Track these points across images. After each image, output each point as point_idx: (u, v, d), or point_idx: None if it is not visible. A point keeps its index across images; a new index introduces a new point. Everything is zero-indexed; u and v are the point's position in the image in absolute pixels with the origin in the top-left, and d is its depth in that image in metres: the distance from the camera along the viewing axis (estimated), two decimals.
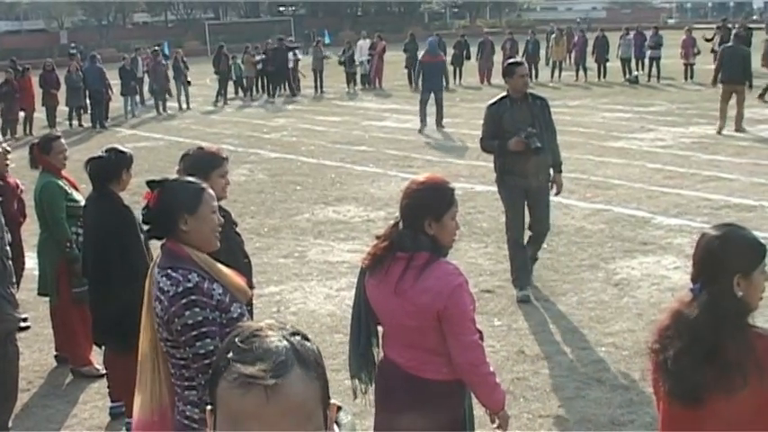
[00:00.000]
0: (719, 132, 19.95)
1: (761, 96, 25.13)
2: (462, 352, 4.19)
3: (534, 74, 35.00)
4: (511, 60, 10.06)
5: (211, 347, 3.76)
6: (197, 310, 3.78)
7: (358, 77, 35.74)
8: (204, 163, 5.16)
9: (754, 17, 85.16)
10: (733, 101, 20.33)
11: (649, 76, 33.81)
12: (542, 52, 36.96)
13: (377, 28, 51.51)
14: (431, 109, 22.65)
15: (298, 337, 1.85)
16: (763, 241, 3.51)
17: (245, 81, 34.43)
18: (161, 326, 3.89)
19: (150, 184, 3.97)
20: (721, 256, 3.41)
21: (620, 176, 15.26)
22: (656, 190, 14.13)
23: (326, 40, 48.12)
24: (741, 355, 3.26)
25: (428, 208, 4.26)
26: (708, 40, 33.40)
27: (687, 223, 11.95)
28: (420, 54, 25.72)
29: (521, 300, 9.37)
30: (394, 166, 17.23)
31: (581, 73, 35.01)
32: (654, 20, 69.71)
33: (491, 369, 4.32)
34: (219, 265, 3.96)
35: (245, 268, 5.01)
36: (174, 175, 4.23)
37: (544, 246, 10.97)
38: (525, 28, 56.87)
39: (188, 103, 31.08)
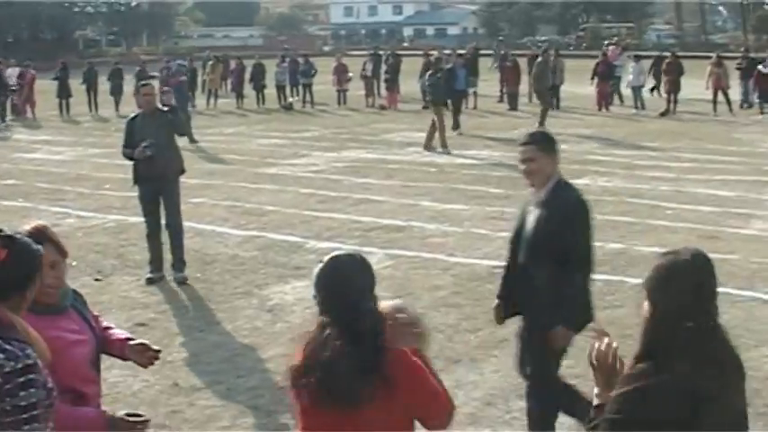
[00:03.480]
0: (428, 148, 21.42)
1: (541, 124, 25.09)
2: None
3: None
4: (141, 82, 12.55)
5: None
6: (33, 390, 3.30)
7: (8, 107, 34.08)
8: None
9: (405, 44, 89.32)
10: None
11: (303, 102, 34.63)
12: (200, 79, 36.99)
13: (29, 55, 49.44)
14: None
15: None
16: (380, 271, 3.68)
17: None
18: None
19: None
20: (348, 279, 3.57)
21: (274, 202, 15.48)
22: (308, 214, 14.44)
23: None
24: (369, 370, 3.42)
25: None
26: (365, 77, 34.77)
27: (339, 246, 12.15)
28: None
29: (148, 280, 10.95)
30: (44, 200, 16.58)
31: (239, 100, 35.33)
32: (310, 47, 71.49)
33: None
34: (31, 330, 3.48)
35: None
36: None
37: (198, 275, 11.04)
38: (183, 55, 56.63)
39: None
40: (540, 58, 27.51)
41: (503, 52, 38.19)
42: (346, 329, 3.57)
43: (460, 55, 29.76)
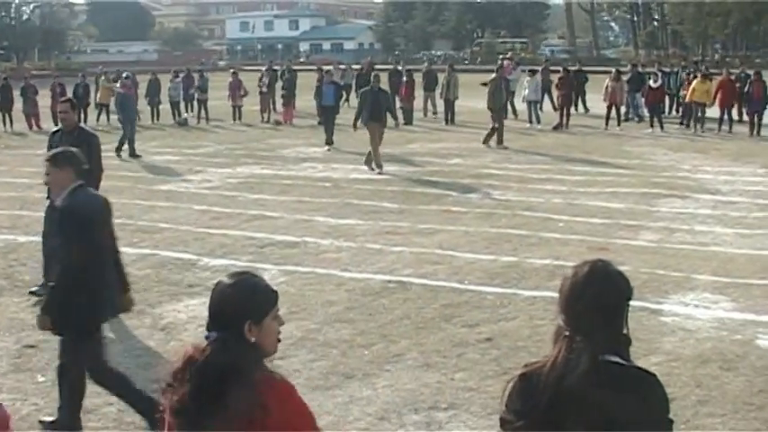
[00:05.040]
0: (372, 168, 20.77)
1: (485, 142, 25.13)
2: None
3: (84, 117, 34.28)
4: (62, 99, 12.42)
5: None
6: None
7: None
8: None
9: (302, 59, 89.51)
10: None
11: (198, 118, 34.34)
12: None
13: None
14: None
15: None
16: (275, 288, 3.60)
17: None
18: None
19: None
20: (233, 303, 3.47)
21: (168, 220, 15.28)
22: (202, 232, 14.28)
23: None
24: (247, 400, 3.35)
25: None
26: (262, 93, 34.67)
27: (233, 263, 12.13)
28: None
29: (34, 292, 10.84)
30: None
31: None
32: (205, 62, 71.10)
33: None
34: None
35: None
36: None
37: None
38: (75, 70, 55.83)
39: None
40: (494, 75, 26.99)
41: (399, 67, 38.34)
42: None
43: (327, 72, 29.64)
